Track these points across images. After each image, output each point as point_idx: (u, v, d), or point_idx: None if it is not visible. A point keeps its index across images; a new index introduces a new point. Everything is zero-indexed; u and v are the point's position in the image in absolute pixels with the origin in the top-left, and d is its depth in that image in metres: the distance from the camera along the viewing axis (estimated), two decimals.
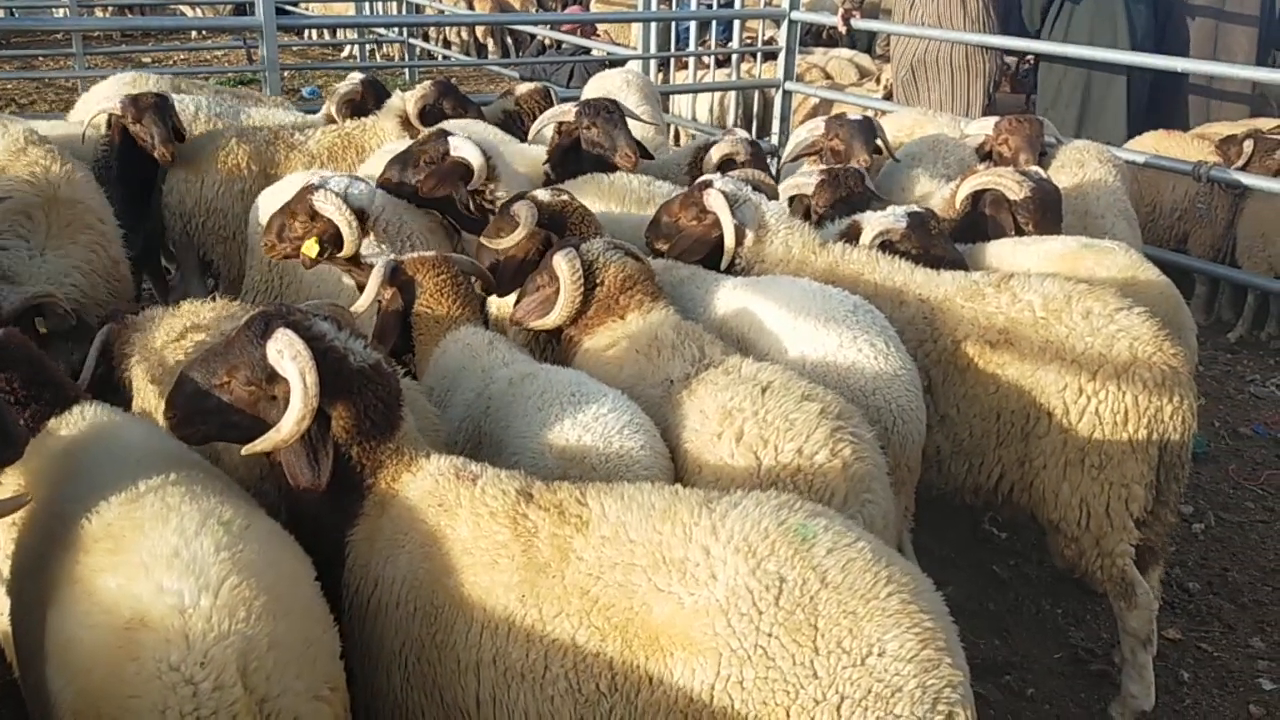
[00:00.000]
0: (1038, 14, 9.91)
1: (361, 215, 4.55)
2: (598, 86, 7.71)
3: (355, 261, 4.50)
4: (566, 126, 5.78)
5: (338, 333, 2.98)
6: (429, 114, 6.47)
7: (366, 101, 7.03)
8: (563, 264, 3.87)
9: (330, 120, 7.03)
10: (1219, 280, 8.56)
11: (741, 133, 6.60)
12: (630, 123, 6.41)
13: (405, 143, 5.92)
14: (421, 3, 16.99)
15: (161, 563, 2.38)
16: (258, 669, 2.28)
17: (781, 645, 2.36)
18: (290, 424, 2.81)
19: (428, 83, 6.74)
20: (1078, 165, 6.27)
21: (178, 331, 3.92)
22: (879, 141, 6.26)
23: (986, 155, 6.53)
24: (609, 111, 5.82)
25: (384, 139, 6.46)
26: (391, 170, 5.04)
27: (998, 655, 4.65)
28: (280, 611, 2.39)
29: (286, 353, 2.82)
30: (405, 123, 6.52)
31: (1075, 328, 4.04)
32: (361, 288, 4.30)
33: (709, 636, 2.41)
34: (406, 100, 6.54)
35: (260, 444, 2.87)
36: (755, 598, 2.40)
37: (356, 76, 7.24)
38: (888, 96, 10.45)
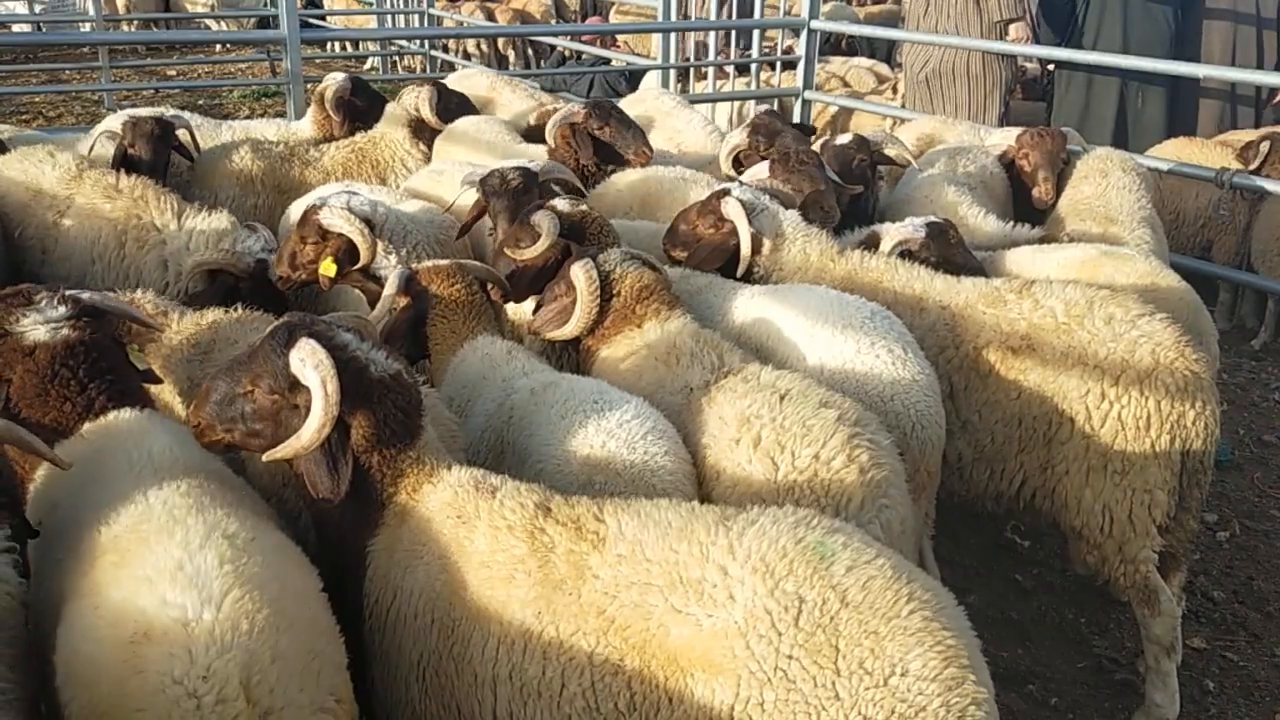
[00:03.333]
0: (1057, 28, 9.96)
1: (369, 224, 4.59)
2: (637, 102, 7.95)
3: (369, 274, 4.53)
4: (579, 126, 5.90)
5: (360, 343, 3.00)
6: (440, 114, 6.62)
7: (358, 99, 7.04)
8: (580, 275, 3.88)
9: (324, 120, 7.05)
10: (1240, 287, 8.50)
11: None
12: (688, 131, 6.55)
13: (446, 163, 6.06)
14: (441, 15, 17.08)
15: (166, 576, 2.39)
16: (260, 682, 2.28)
17: (802, 667, 2.34)
18: (310, 431, 2.83)
19: (427, 86, 6.77)
20: (1101, 174, 6.24)
21: (203, 343, 3.97)
22: (892, 152, 6.24)
23: (1009, 165, 6.54)
24: (618, 111, 5.90)
25: (396, 150, 6.52)
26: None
27: (1020, 664, 4.62)
28: (284, 625, 2.39)
29: (309, 361, 2.83)
30: (415, 130, 6.55)
31: (1098, 333, 4.02)
32: (371, 301, 4.34)
33: (728, 659, 2.39)
34: (421, 105, 6.58)
35: (280, 451, 2.88)
36: (774, 619, 2.38)
37: (339, 75, 7.21)
38: (903, 105, 10.45)
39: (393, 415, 2.96)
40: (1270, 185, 7.54)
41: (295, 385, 2.89)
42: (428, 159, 6.63)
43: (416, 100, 6.65)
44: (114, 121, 6.27)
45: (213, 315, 4.15)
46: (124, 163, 5.98)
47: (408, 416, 3.00)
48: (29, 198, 5.46)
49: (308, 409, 2.85)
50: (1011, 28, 9.54)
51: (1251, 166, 7.76)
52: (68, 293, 3.41)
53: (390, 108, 6.83)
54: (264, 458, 2.91)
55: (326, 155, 6.51)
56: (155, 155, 6.09)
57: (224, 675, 2.24)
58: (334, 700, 2.47)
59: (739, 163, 6.23)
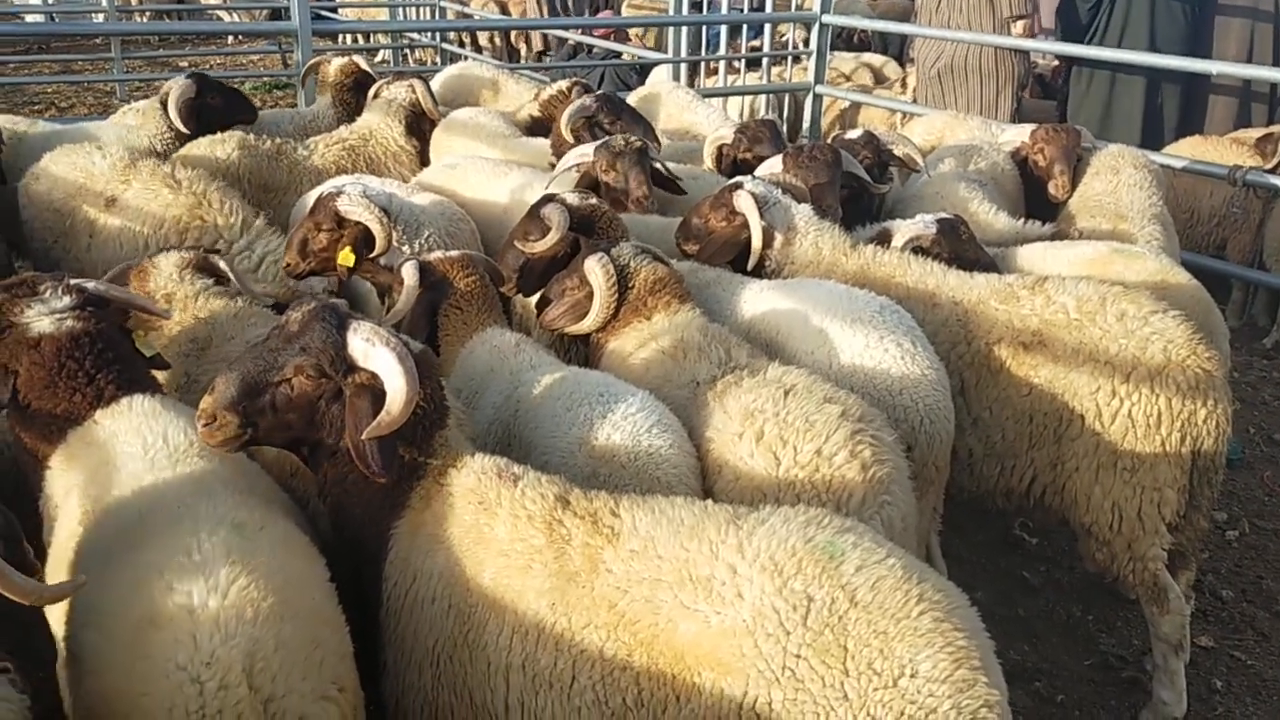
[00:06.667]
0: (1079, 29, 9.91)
1: (386, 212, 4.58)
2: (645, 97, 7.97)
3: (377, 264, 4.53)
4: (585, 167, 5.45)
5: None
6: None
7: (362, 80, 7.25)
8: (597, 269, 3.88)
9: (337, 94, 7.21)
10: (1252, 285, 8.46)
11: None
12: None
13: (458, 156, 6.01)
14: (452, 7, 17.06)
15: (174, 563, 2.41)
16: (263, 669, 2.30)
17: (810, 667, 2.32)
18: (399, 406, 2.76)
19: (417, 79, 6.78)
20: (1112, 171, 6.21)
21: (200, 338, 3.99)
22: (900, 153, 6.21)
23: (1022, 161, 6.52)
24: (628, 106, 5.83)
25: (390, 146, 6.48)
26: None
27: (1027, 661, 4.61)
28: (288, 614, 2.41)
29: (376, 342, 2.80)
30: (410, 124, 6.56)
31: (1109, 330, 4.01)
32: (380, 291, 4.33)
33: (736, 657, 2.38)
34: (422, 98, 6.58)
35: (373, 430, 2.77)
36: (782, 618, 2.36)
37: (337, 60, 7.38)
38: (915, 100, 10.42)
39: (435, 393, 2.95)
40: None
41: (351, 368, 2.85)
42: (420, 154, 6.59)
43: (413, 94, 6.63)
44: (177, 84, 6.51)
45: (211, 307, 4.10)
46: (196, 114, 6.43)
47: (443, 396, 3.00)
48: (75, 189, 5.39)
49: (365, 391, 2.81)
50: (1017, 24, 9.53)
51: (1270, 164, 7.71)
52: (72, 281, 3.36)
53: (378, 102, 6.74)
54: (365, 434, 2.77)
55: (316, 154, 6.40)
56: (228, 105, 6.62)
57: (227, 662, 2.26)
58: (336, 689, 2.48)
59: (720, 157, 6.30)
